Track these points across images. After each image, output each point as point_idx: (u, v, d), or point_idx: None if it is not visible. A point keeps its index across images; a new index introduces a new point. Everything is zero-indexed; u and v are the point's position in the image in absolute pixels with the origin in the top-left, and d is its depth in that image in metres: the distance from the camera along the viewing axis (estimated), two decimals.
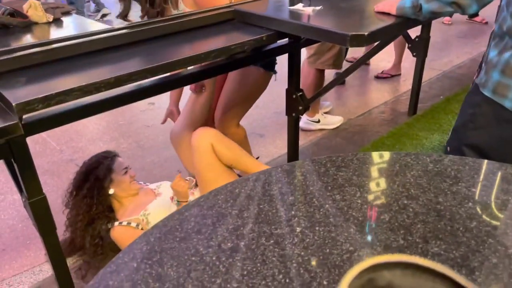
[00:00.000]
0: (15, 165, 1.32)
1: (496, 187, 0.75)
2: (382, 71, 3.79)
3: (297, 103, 2.11)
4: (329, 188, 0.75)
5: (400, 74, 3.72)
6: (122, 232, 1.77)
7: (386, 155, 0.85)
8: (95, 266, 1.82)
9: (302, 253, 0.62)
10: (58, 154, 2.77)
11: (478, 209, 0.69)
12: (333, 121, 2.95)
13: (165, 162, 2.68)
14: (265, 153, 2.70)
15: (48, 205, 1.38)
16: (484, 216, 0.67)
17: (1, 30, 1.53)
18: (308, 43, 2.12)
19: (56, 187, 2.42)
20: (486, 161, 0.80)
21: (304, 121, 2.88)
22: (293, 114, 2.17)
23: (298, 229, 0.67)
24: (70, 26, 1.62)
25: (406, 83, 3.59)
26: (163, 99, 3.57)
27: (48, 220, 1.39)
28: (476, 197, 0.72)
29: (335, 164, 0.80)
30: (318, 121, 2.92)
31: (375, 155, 0.86)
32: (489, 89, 1.07)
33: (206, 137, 1.78)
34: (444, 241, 0.62)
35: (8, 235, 2.08)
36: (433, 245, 0.62)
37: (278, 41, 1.83)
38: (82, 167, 1.85)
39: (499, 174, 0.78)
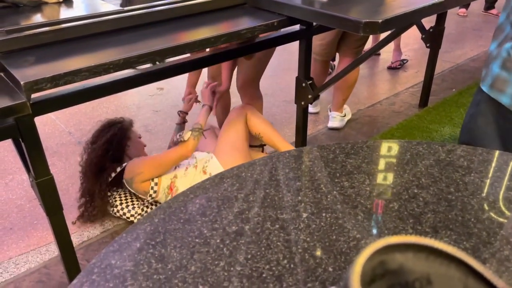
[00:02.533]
0: (23, 144, 1.33)
1: (509, 178, 0.73)
2: (392, 62, 3.75)
3: (307, 91, 2.08)
4: (337, 174, 0.74)
5: (407, 60, 3.69)
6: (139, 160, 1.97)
7: (397, 143, 0.83)
8: (89, 219, 2.03)
9: (308, 239, 0.61)
10: (67, 136, 2.78)
11: (491, 200, 0.67)
12: (348, 111, 2.91)
13: None
14: None
15: (55, 185, 1.38)
16: (496, 207, 0.65)
17: (11, 8, 1.52)
18: (320, 30, 2.08)
19: (63, 169, 2.43)
20: (499, 152, 0.77)
21: (339, 119, 2.77)
22: (302, 103, 2.14)
23: (305, 215, 0.65)
24: (81, 7, 1.60)
25: (418, 75, 3.53)
26: (173, 84, 3.55)
27: (54, 200, 1.39)
28: (489, 188, 0.70)
29: (344, 151, 0.78)
30: (345, 115, 2.85)
31: (385, 143, 0.84)
32: (487, 83, 1.03)
33: (243, 108, 2.10)
34: (454, 232, 0.61)
35: (16, 215, 2.10)
36: (443, 235, 0.60)
37: (289, 27, 1.81)
38: (106, 121, 2.10)
39: None
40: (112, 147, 1.99)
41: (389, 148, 0.81)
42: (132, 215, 1.99)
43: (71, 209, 2.08)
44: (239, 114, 2.08)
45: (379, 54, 3.93)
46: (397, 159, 0.78)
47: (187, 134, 1.93)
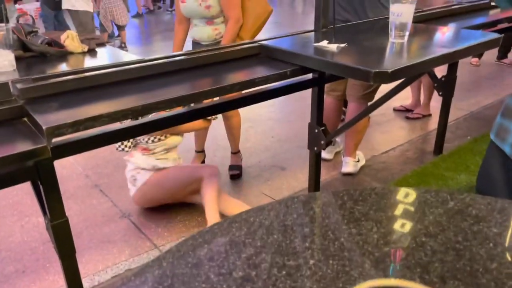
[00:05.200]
0: (41, 187, 1.37)
1: None
2: (405, 108, 3.77)
3: (319, 137, 2.11)
4: (345, 221, 0.74)
5: (430, 115, 3.66)
6: None
7: (405, 190, 0.84)
8: None
9: (314, 286, 0.61)
10: (84, 179, 2.83)
11: (500, 250, 0.67)
12: (362, 157, 2.92)
13: None
14: (286, 186, 2.69)
15: (69, 228, 1.40)
16: (505, 258, 0.64)
17: (39, 58, 1.62)
18: (332, 78, 2.14)
19: (79, 212, 2.46)
20: (507, 201, 0.77)
21: (353, 164, 2.78)
22: (315, 148, 2.17)
23: (312, 262, 0.66)
24: (104, 56, 1.70)
25: (432, 122, 3.54)
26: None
27: (68, 243, 1.41)
28: (498, 238, 0.70)
29: (352, 198, 0.79)
30: (358, 161, 2.86)
31: (393, 190, 0.85)
32: (493, 132, 1.05)
33: (206, 173, 2.34)
34: (462, 282, 0.60)
35: (29, 257, 2.12)
36: (451, 285, 0.60)
37: (302, 76, 1.87)
38: None
39: None
40: None
41: (397, 196, 0.82)
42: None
43: (83, 253, 2.09)
44: (198, 173, 2.33)
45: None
46: (405, 207, 0.78)
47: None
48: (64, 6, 4.54)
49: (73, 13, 4.54)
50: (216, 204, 2.24)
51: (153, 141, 2.34)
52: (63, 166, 2.96)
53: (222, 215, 2.26)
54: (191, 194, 2.43)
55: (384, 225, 0.74)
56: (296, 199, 0.79)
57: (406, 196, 0.82)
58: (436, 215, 0.75)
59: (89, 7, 4.61)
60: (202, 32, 2.52)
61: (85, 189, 2.72)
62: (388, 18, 1.79)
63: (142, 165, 2.34)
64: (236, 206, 2.32)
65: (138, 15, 9.79)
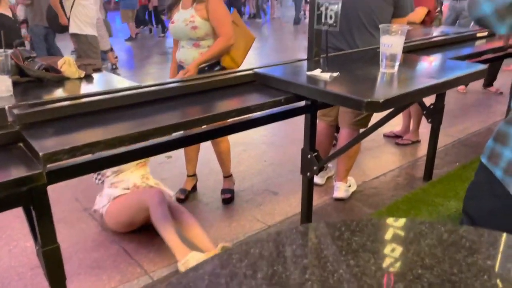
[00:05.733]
0: (33, 212, 1.36)
1: (511, 260, 0.74)
2: (394, 134, 3.83)
3: (312, 163, 2.13)
4: (343, 252, 0.75)
5: (419, 141, 3.71)
6: None
7: (401, 221, 0.86)
8: None
9: None
10: (74, 203, 2.80)
11: (493, 283, 0.68)
12: (353, 182, 2.94)
13: None
14: (278, 211, 2.69)
15: (60, 254, 1.39)
16: None
17: (35, 83, 1.63)
18: (324, 105, 2.18)
19: (68, 236, 2.43)
20: (503, 233, 0.79)
21: (344, 189, 2.80)
22: (308, 174, 2.19)
23: None
24: (100, 82, 1.71)
25: (421, 148, 3.60)
26: (180, 152, 3.63)
27: (59, 270, 1.39)
28: (492, 270, 0.71)
29: (349, 228, 0.80)
30: (350, 186, 2.88)
31: (389, 221, 0.86)
32: (485, 155, 1.10)
33: (151, 200, 2.25)
34: None
35: (16, 283, 2.07)
36: None
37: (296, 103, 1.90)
38: None
39: None
40: None
41: (393, 227, 0.84)
42: None
43: (72, 279, 2.05)
44: (142, 203, 2.26)
45: None
46: (401, 238, 0.80)
47: None
48: (72, 30, 4.53)
49: (82, 37, 4.53)
50: (167, 231, 2.13)
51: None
52: (52, 189, 2.89)
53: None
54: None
55: (382, 257, 0.75)
56: (294, 230, 0.80)
57: (401, 228, 0.83)
58: (431, 246, 0.76)
59: (95, 32, 4.63)
60: (187, 54, 2.50)
61: (75, 213, 2.68)
62: (378, 47, 1.85)
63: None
64: (196, 235, 2.21)
65: (131, 39, 9.87)
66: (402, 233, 0.81)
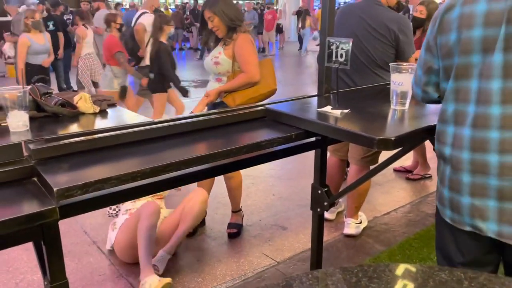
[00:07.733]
0: (43, 247, 1.35)
1: None
2: (405, 168, 3.80)
3: (323, 198, 2.11)
4: None
5: (430, 176, 3.67)
6: None
7: (419, 268, 0.84)
8: None
9: None
10: (82, 236, 2.79)
11: None
12: (364, 218, 2.90)
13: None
14: (287, 247, 2.65)
15: None
16: None
17: (52, 118, 1.65)
18: (335, 140, 2.18)
19: (76, 270, 2.40)
20: None
21: (355, 226, 2.77)
22: (318, 210, 2.16)
23: None
24: (114, 117, 1.74)
25: (432, 183, 3.57)
26: (190, 184, 3.63)
27: None
28: None
29: (366, 275, 0.79)
30: (360, 222, 2.84)
31: (408, 267, 0.85)
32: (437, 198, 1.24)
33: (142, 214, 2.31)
34: None
35: None
36: None
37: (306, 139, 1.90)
38: None
39: None
40: None
41: (411, 273, 0.82)
42: None
43: None
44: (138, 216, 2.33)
45: None
46: (420, 286, 0.78)
47: None
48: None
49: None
50: (143, 246, 2.21)
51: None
52: (61, 222, 2.91)
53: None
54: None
55: None
56: (310, 275, 0.78)
57: (420, 274, 0.81)
58: None
59: None
60: (211, 87, 2.62)
61: (83, 246, 2.66)
62: (388, 84, 1.86)
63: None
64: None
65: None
66: (421, 280, 0.79)
